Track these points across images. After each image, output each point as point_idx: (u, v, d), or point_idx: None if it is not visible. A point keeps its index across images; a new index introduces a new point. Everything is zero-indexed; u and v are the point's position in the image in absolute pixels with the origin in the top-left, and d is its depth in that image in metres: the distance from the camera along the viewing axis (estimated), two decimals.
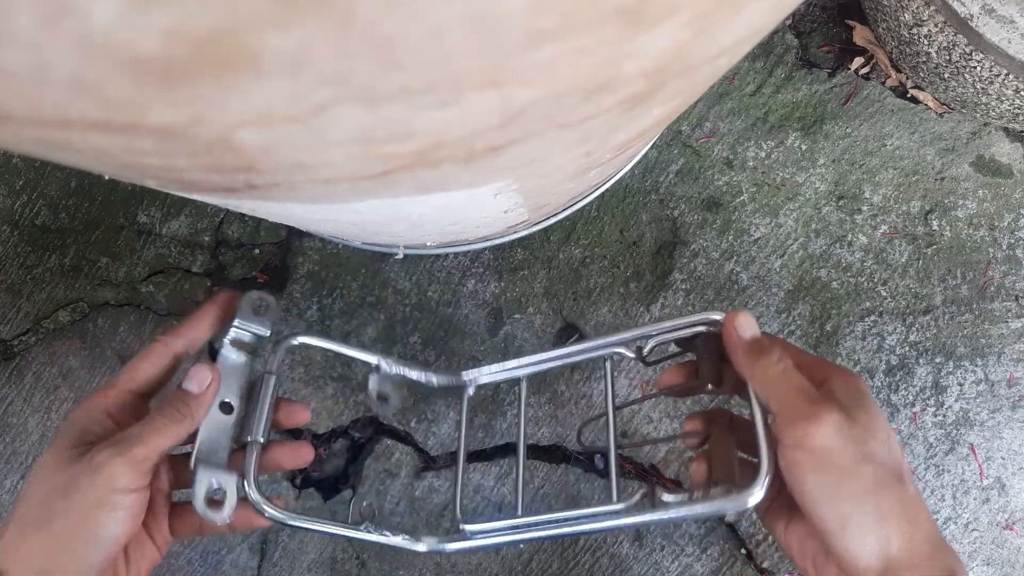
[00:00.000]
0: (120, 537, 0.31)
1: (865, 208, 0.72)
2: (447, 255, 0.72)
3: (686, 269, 0.71)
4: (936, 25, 0.65)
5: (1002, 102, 0.67)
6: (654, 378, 0.68)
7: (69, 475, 0.30)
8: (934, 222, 0.72)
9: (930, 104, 0.75)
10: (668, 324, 0.38)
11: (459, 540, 0.39)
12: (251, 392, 0.38)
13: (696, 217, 0.72)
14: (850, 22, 0.78)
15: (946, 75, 0.69)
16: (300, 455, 0.38)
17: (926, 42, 0.67)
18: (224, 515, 0.34)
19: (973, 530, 0.65)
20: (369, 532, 0.38)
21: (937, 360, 0.69)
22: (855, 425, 0.29)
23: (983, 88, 0.66)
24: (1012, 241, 0.71)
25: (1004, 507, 0.65)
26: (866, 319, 0.70)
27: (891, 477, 0.29)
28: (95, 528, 0.30)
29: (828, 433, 0.29)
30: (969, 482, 0.66)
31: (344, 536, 0.37)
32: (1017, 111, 0.68)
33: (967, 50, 0.64)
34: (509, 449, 0.67)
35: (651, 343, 0.40)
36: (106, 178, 0.68)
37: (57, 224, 0.74)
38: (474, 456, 0.67)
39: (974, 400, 0.67)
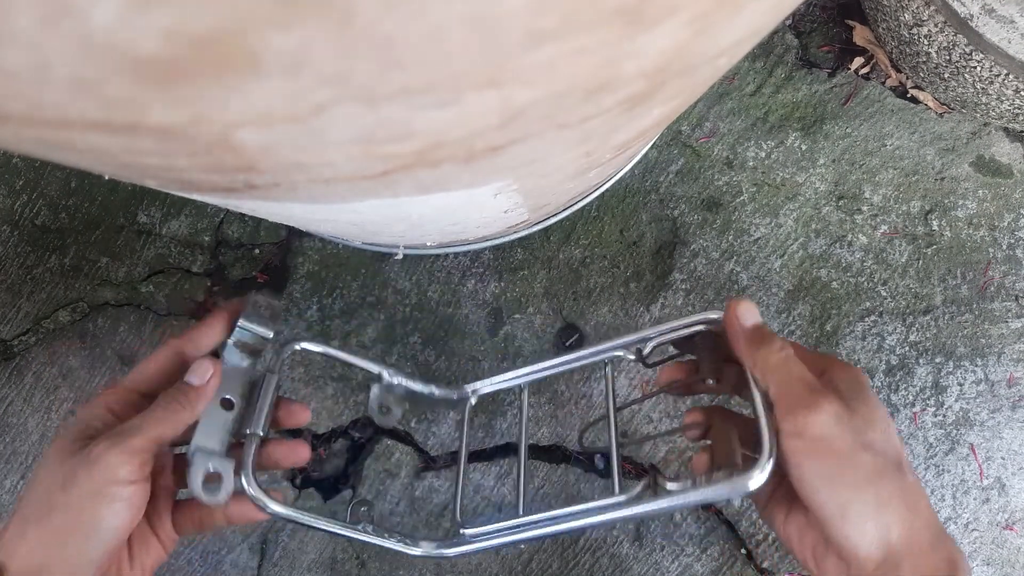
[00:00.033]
0: (119, 529, 0.31)
1: (865, 208, 0.72)
2: (447, 255, 0.72)
3: (686, 269, 0.71)
4: (936, 25, 0.65)
5: (1002, 102, 0.67)
6: (654, 378, 0.68)
7: (68, 468, 0.31)
8: (934, 222, 0.72)
9: (930, 104, 0.75)
10: (668, 326, 0.38)
11: (458, 544, 0.39)
12: (252, 392, 0.38)
13: (696, 217, 0.72)
14: (850, 22, 0.78)
15: (946, 75, 0.69)
16: (297, 454, 0.38)
17: (926, 42, 0.67)
18: (220, 498, 0.34)
19: (973, 530, 0.65)
20: (365, 532, 0.37)
21: (937, 360, 0.69)
22: (855, 415, 0.29)
23: (983, 88, 0.66)
24: (1012, 241, 0.71)
25: (1004, 507, 0.65)
26: (866, 319, 0.70)
27: (891, 465, 0.29)
28: (93, 520, 0.30)
29: (827, 421, 0.29)
30: (969, 482, 0.66)
31: (339, 534, 0.37)
32: (1017, 111, 0.68)
33: (967, 50, 0.64)
34: (509, 449, 0.67)
35: (651, 344, 0.40)
36: (106, 178, 0.68)
37: (57, 224, 0.74)
38: (474, 456, 0.67)
39: (974, 400, 0.67)
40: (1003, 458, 0.66)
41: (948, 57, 0.66)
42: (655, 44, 0.20)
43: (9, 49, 0.14)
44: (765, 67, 0.76)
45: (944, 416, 0.67)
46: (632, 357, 0.41)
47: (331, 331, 0.70)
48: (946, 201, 0.72)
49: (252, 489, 0.34)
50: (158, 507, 0.35)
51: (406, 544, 0.38)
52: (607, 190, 0.72)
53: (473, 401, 0.48)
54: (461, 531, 0.40)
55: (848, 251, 0.71)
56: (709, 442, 0.36)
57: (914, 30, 0.68)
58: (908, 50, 0.71)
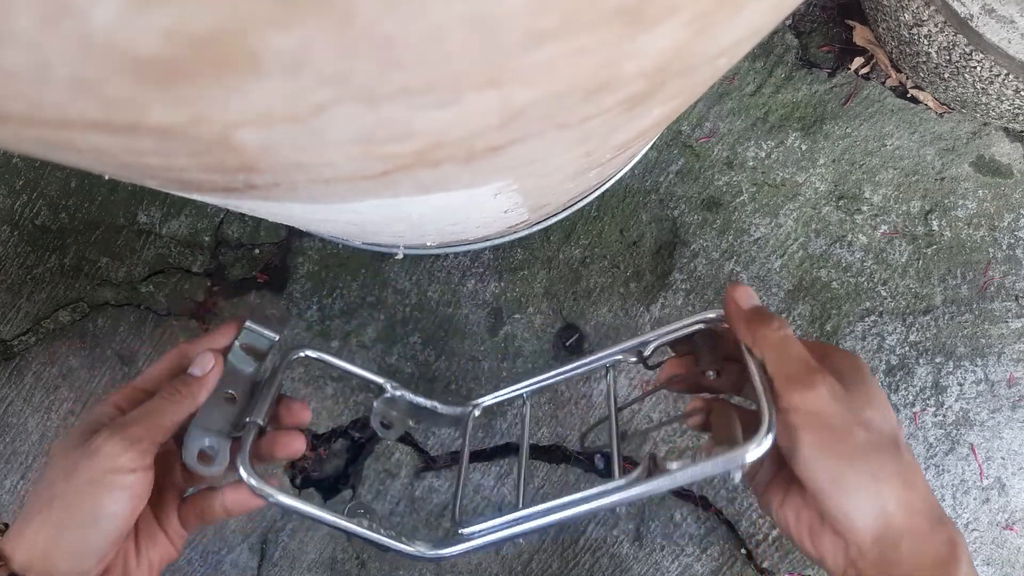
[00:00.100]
0: (119, 517, 0.31)
1: (865, 208, 0.72)
2: (447, 255, 0.72)
3: (686, 269, 0.71)
4: (936, 25, 0.65)
5: (1002, 102, 0.67)
6: (654, 378, 0.68)
7: (71, 460, 0.31)
8: (934, 222, 0.72)
9: (930, 104, 0.75)
10: (668, 328, 0.38)
11: (457, 543, 0.38)
12: (255, 392, 0.38)
13: (696, 217, 0.72)
14: (850, 22, 0.78)
15: (946, 75, 0.69)
16: (293, 445, 0.38)
17: (926, 42, 0.67)
18: (214, 470, 0.34)
19: (973, 530, 0.65)
20: (361, 525, 0.37)
21: (937, 360, 0.69)
22: (852, 394, 0.29)
23: (983, 88, 0.66)
24: (1012, 241, 0.71)
25: (1004, 507, 0.65)
26: (866, 319, 0.70)
27: (887, 442, 0.28)
28: (93, 508, 0.30)
29: (823, 397, 0.29)
30: (969, 482, 0.66)
31: (334, 525, 0.36)
32: (1017, 111, 0.68)
33: (967, 50, 0.64)
34: (509, 449, 0.67)
35: (652, 346, 0.40)
36: (106, 178, 0.68)
37: (57, 224, 0.74)
38: (474, 456, 0.67)
39: (974, 400, 0.67)
40: (1003, 458, 0.66)
41: (948, 57, 0.66)
42: (655, 44, 0.20)
43: (9, 49, 0.14)
44: (765, 67, 0.76)
45: (944, 416, 0.67)
46: (634, 359, 0.41)
47: (331, 331, 0.70)
48: (946, 201, 0.72)
49: (247, 474, 0.34)
50: (165, 502, 0.36)
51: (403, 541, 0.38)
52: (607, 190, 0.72)
53: (477, 414, 0.48)
54: (460, 531, 0.39)
55: (848, 251, 0.71)
56: (710, 435, 0.36)
57: (914, 30, 0.68)
58: (908, 50, 0.71)
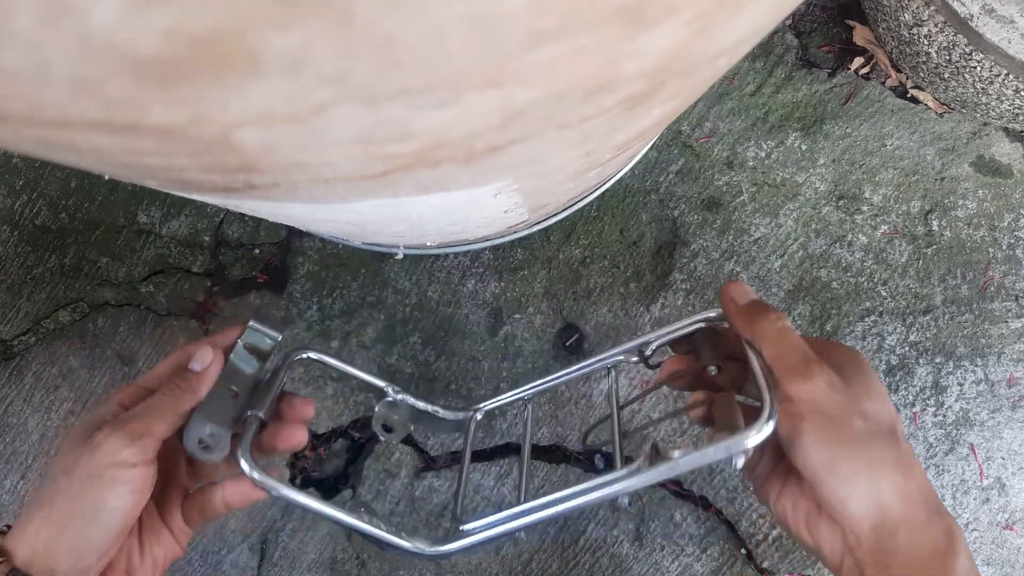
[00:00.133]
0: (121, 511, 0.31)
1: (865, 208, 0.72)
2: (447, 255, 0.72)
3: (686, 269, 0.71)
4: (936, 25, 0.65)
5: (1002, 102, 0.67)
6: (654, 377, 0.68)
7: (73, 456, 0.31)
8: (934, 222, 0.72)
9: (930, 104, 0.75)
10: (668, 328, 0.39)
11: (458, 539, 0.38)
12: (256, 388, 0.38)
13: (696, 217, 0.72)
14: (850, 22, 0.78)
15: (946, 75, 0.69)
16: (296, 437, 0.38)
17: (926, 42, 0.67)
18: (214, 456, 0.34)
19: (973, 530, 0.65)
20: (361, 520, 0.37)
21: (937, 360, 0.69)
22: (850, 385, 0.29)
23: (983, 88, 0.66)
24: (1012, 241, 0.71)
25: (1004, 507, 0.65)
26: (866, 319, 0.70)
27: (884, 431, 0.28)
28: (94, 503, 0.30)
29: (820, 387, 0.29)
30: (969, 482, 0.66)
31: (333, 517, 0.36)
32: (1017, 111, 0.68)
33: (967, 50, 0.64)
34: (509, 449, 0.67)
35: (653, 346, 0.40)
36: (106, 178, 0.68)
37: (57, 224, 0.74)
38: (474, 456, 0.67)
39: (974, 400, 0.67)
40: (1003, 458, 0.66)
41: (948, 57, 0.66)
42: (655, 44, 0.20)
43: (9, 49, 0.14)
44: (765, 67, 0.76)
45: (944, 416, 0.67)
46: (635, 359, 0.41)
47: (331, 331, 0.70)
48: (946, 201, 0.72)
49: (248, 465, 0.34)
50: (170, 500, 0.36)
51: (403, 537, 0.38)
52: (607, 190, 0.72)
53: (479, 417, 0.48)
54: (461, 528, 0.39)
55: (848, 251, 0.71)
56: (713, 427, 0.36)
57: (914, 30, 0.68)
58: (908, 50, 0.71)
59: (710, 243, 0.71)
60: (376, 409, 0.43)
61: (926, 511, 0.27)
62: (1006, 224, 0.72)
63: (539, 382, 0.46)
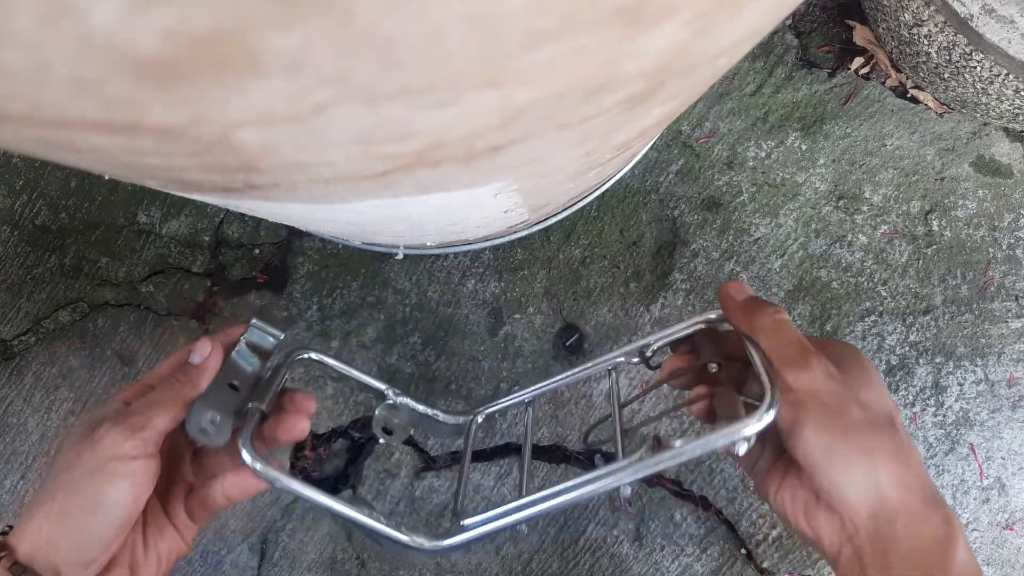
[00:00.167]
0: (122, 504, 0.31)
1: (865, 208, 0.72)
2: (447, 255, 0.72)
3: (686, 269, 0.71)
4: (936, 25, 0.65)
5: (1002, 102, 0.67)
6: (655, 377, 0.68)
7: (75, 452, 0.31)
8: (934, 222, 0.72)
9: (930, 104, 0.75)
10: (669, 330, 0.39)
11: (459, 533, 0.38)
12: (257, 385, 0.38)
13: (696, 217, 0.72)
14: (850, 22, 0.78)
15: (946, 75, 0.69)
16: (297, 427, 0.38)
17: (926, 42, 0.67)
18: (217, 440, 0.34)
19: (973, 530, 0.65)
20: (360, 512, 0.37)
21: (937, 360, 0.69)
22: (847, 376, 0.30)
23: (983, 88, 0.66)
24: (1012, 241, 0.71)
25: (1004, 507, 0.65)
26: (866, 319, 0.70)
27: (882, 421, 0.29)
28: (96, 496, 0.30)
29: (818, 378, 0.29)
30: (969, 482, 0.66)
31: (333, 508, 0.36)
32: (1017, 111, 0.68)
33: (967, 50, 0.64)
34: (509, 449, 0.67)
35: (654, 347, 0.40)
36: (106, 178, 0.68)
37: (57, 224, 0.74)
38: (474, 456, 0.67)
39: (974, 400, 0.67)
40: (1003, 458, 0.66)
41: (948, 57, 0.66)
42: (655, 44, 0.20)
43: (9, 49, 0.14)
44: (765, 67, 0.76)
45: (944, 416, 0.67)
46: (636, 360, 0.41)
47: (331, 331, 0.70)
48: (946, 201, 0.72)
49: (249, 455, 0.34)
50: (174, 495, 0.36)
51: (403, 532, 0.37)
52: (607, 190, 0.72)
53: (480, 420, 0.48)
54: (461, 523, 0.39)
55: (848, 251, 0.71)
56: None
57: (914, 30, 0.68)
58: (908, 50, 0.71)
59: (710, 243, 0.71)
60: (376, 412, 0.43)
61: (923, 500, 0.27)
62: (1006, 224, 0.72)
63: (540, 384, 0.46)
